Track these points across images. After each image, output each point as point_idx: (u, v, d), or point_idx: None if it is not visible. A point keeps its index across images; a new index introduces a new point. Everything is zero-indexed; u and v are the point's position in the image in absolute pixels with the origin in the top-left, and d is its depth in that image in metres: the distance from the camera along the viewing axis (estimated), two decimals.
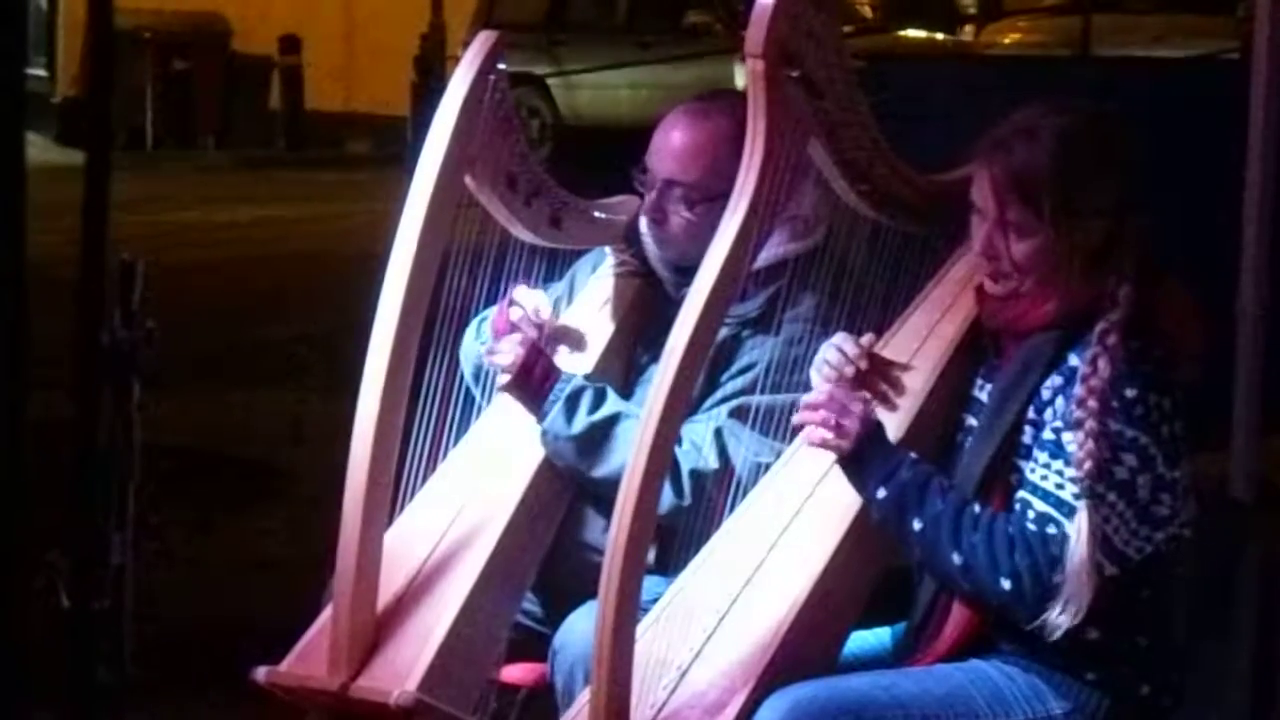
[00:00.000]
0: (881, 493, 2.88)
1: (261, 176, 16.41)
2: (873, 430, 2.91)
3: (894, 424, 3.01)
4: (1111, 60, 11.09)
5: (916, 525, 2.86)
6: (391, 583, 3.04)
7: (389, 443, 2.97)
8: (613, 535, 2.73)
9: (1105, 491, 2.79)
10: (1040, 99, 2.95)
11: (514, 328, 3.25)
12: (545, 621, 3.27)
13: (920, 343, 3.11)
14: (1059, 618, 2.79)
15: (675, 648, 2.90)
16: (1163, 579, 2.93)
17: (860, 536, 2.96)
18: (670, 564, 3.10)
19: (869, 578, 3.01)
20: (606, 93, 16.51)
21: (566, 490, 3.26)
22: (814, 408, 2.92)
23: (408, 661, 2.95)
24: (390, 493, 3.02)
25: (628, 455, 2.78)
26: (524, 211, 3.14)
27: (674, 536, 3.09)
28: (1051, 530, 2.80)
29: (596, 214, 3.33)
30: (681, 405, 2.78)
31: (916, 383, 3.06)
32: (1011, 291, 2.93)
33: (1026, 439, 2.89)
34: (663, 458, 2.76)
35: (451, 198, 3.00)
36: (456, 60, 3.11)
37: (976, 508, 2.86)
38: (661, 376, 2.74)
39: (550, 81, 16.57)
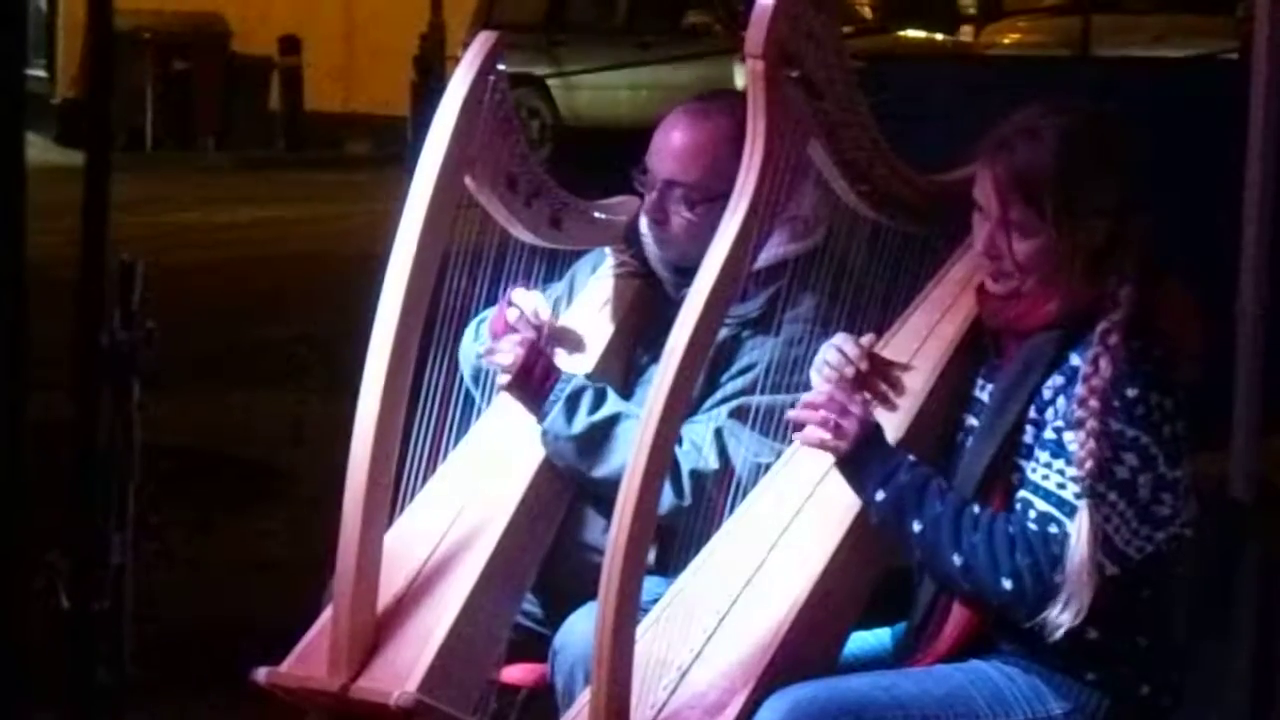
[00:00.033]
0: (880, 495, 2.88)
1: (261, 177, 16.41)
2: (871, 432, 2.91)
3: (894, 424, 3.01)
4: (1111, 60, 11.09)
5: (916, 527, 2.86)
6: (391, 583, 3.04)
7: (389, 443, 2.97)
8: (613, 535, 2.73)
9: (1106, 491, 2.79)
10: (1042, 99, 2.95)
11: (512, 329, 3.26)
12: (545, 622, 3.27)
13: (920, 343, 3.11)
14: (1060, 616, 2.79)
15: (675, 648, 2.90)
16: (1163, 579, 2.93)
17: (860, 537, 2.96)
18: (670, 564, 3.10)
19: (869, 578, 3.01)
20: (606, 93, 16.51)
21: (567, 490, 3.26)
22: (812, 407, 2.92)
23: (408, 662, 2.95)
24: (390, 493, 3.02)
25: (628, 455, 2.78)
26: (524, 212, 3.14)
27: (674, 537, 3.09)
28: (1053, 530, 2.80)
29: (596, 215, 3.33)
30: (681, 405, 2.78)
31: (916, 383, 3.06)
32: (1013, 291, 2.93)
33: (1028, 438, 2.89)
34: (663, 458, 2.76)
35: (451, 198, 3.00)
36: (456, 60, 3.11)
37: (976, 508, 2.86)
38: (661, 377, 2.74)
39: (550, 82, 16.58)
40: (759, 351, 3.22)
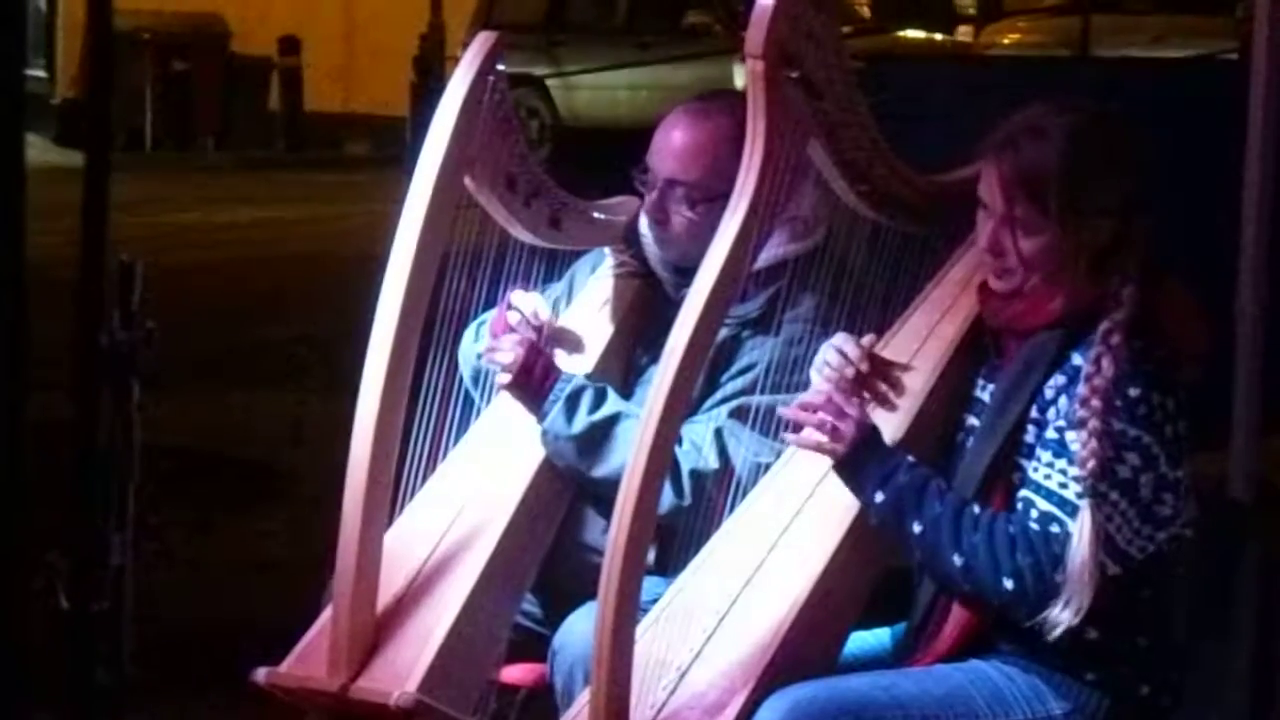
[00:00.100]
0: (879, 496, 2.88)
1: (261, 177, 16.41)
2: (868, 434, 2.91)
3: (894, 425, 3.01)
4: (1111, 61, 11.09)
5: (916, 528, 2.86)
6: (391, 583, 3.04)
7: (389, 443, 2.97)
8: (612, 535, 2.73)
9: (1108, 490, 2.79)
10: (1046, 98, 2.95)
11: (512, 330, 3.26)
12: (545, 622, 3.27)
13: (920, 343, 3.11)
14: (1060, 616, 2.79)
15: (675, 648, 2.90)
16: (1163, 579, 2.93)
17: (860, 537, 2.96)
18: (670, 564, 3.10)
19: (869, 578, 3.01)
20: (605, 93, 16.52)
21: (567, 490, 3.26)
22: (809, 409, 2.92)
23: (408, 662, 2.95)
24: (390, 493, 3.02)
25: (628, 455, 2.78)
26: (523, 212, 3.14)
27: (674, 537, 3.09)
28: (1054, 529, 2.80)
29: (596, 215, 3.33)
30: (681, 405, 2.78)
31: (916, 383, 3.06)
32: (1015, 289, 2.93)
33: (1029, 438, 2.89)
34: (663, 458, 2.76)
35: (451, 198, 3.01)
36: (456, 61, 3.11)
37: (976, 508, 2.86)
38: (661, 377, 2.74)
39: (549, 82, 16.58)
40: (759, 351, 3.22)
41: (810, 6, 2.80)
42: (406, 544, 3.12)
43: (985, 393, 3.01)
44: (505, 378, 3.24)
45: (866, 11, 17.49)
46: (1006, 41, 16.18)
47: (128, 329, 2.69)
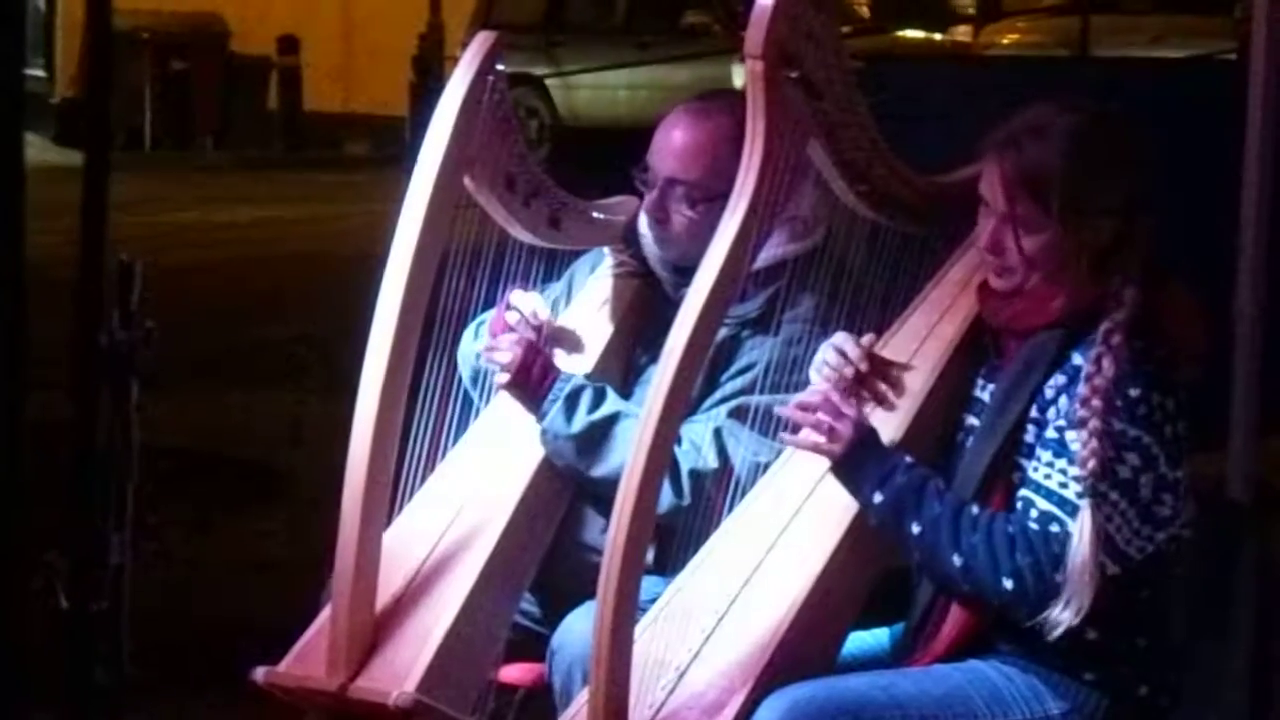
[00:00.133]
0: (878, 497, 2.88)
1: (260, 177, 16.40)
2: (865, 435, 2.91)
3: (893, 425, 3.01)
4: (1110, 61, 11.09)
5: (915, 529, 2.86)
6: (390, 583, 3.04)
7: (388, 443, 2.97)
8: (611, 535, 2.73)
9: (1108, 490, 2.79)
10: (1048, 98, 2.95)
11: (511, 330, 3.26)
12: (543, 621, 3.27)
13: (919, 343, 3.11)
14: (1060, 616, 2.79)
15: (674, 648, 2.90)
16: (1162, 579, 2.93)
17: (859, 537, 2.96)
18: (669, 564, 3.10)
19: (868, 578, 3.01)
20: (605, 93, 16.51)
21: (566, 490, 3.27)
22: (806, 409, 2.92)
23: (406, 662, 2.95)
24: (389, 493, 3.02)
25: (627, 454, 2.78)
26: (522, 212, 3.14)
27: (673, 536, 3.09)
28: (1054, 529, 2.81)
29: (595, 215, 3.33)
30: (680, 405, 2.78)
31: (916, 383, 3.06)
32: (1016, 288, 2.93)
33: (1029, 438, 2.89)
34: (662, 457, 2.77)
35: (450, 198, 3.01)
36: (455, 60, 3.11)
37: (975, 509, 2.86)
38: (660, 376, 2.74)
39: (548, 82, 16.57)
40: (758, 351, 3.22)
41: (810, 6, 2.80)
42: (405, 544, 3.12)
43: (985, 393, 3.01)
44: (504, 377, 3.24)
45: (865, 11, 17.49)
46: (1005, 41, 16.18)
47: (127, 329, 2.69)
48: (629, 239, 3.38)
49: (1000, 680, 2.92)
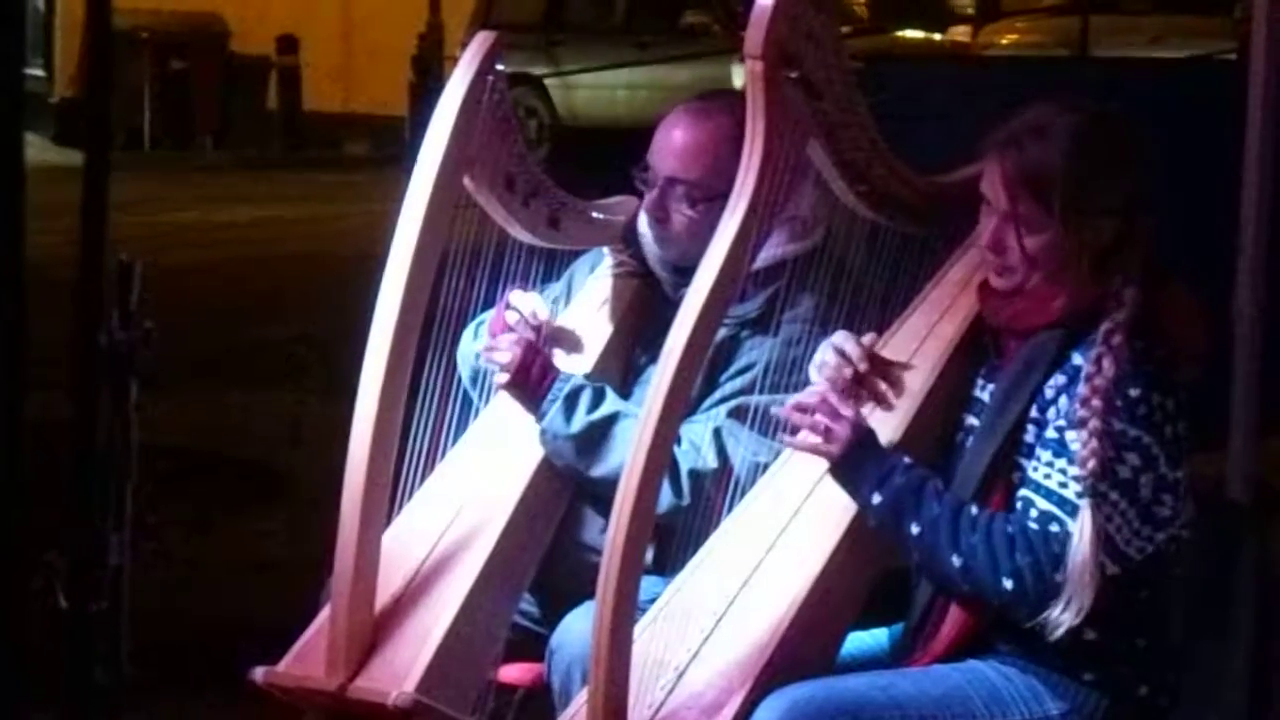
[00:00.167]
0: (876, 498, 2.88)
1: (259, 177, 16.40)
2: (863, 436, 2.90)
3: (892, 425, 3.01)
4: (1109, 61, 11.09)
5: (914, 529, 2.87)
6: (390, 583, 3.04)
7: (387, 443, 2.97)
8: (611, 535, 2.73)
9: (1108, 491, 2.79)
10: (1049, 98, 2.95)
11: (510, 330, 3.26)
12: (542, 621, 3.27)
13: (919, 344, 3.11)
14: (1061, 616, 2.79)
15: (673, 648, 2.90)
16: (1161, 580, 2.93)
17: (858, 537, 2.96)
18: (668, 564, 3.10)
19: (867, 578, 3.01)
20: (604, 93, 16.51)
21: (565, 490, 3.27)
22: (804, 410, 2.92)
23: (406, 662, 2.95)
24: (388, 493, 3.02)
25: (626, 455, 2.78)
26: (522, 212, 3.14)
27: (672, 536, 3.09)
28: (1054, 528, 2.81)
29: (595, 215, 3.33)
30: (680, 405, 2.78)
31: (915, 384, 3.06)
32: (1016, 287, 2.93)
33: (1029, 437, 2.90)
34: (661, 457, 2.77)
35: (450, 198, 3.01)
36: (454, 60, 3.11)
37: (974, 509, 2.86)
38: (660, 376, 2.74)
39: (548, 82, 16.57)
40: (758, 352, 3.22)
41: (810, 7, 2.80)
42: (405, 544, 3.12)
43: (985, 393, 3.01)
44: (503, 377, 3.24)
45: (864, 11, 17.49)
46: (1005, 42, 16.18)
47: (126, 329, 2.69)
48: (628, 239, 3.38)
49: (999, 680, 2.92)
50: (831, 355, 3.03)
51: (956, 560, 2.84)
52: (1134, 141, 2.96)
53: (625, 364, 3.38)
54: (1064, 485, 2.82)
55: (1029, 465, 2.88)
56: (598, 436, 3.20)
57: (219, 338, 8.90)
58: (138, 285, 2.72)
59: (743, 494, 3.10)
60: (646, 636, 2.89)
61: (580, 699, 2.86)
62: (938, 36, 17.17)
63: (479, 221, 3.12)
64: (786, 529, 3.00)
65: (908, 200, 3.10)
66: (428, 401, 3.12)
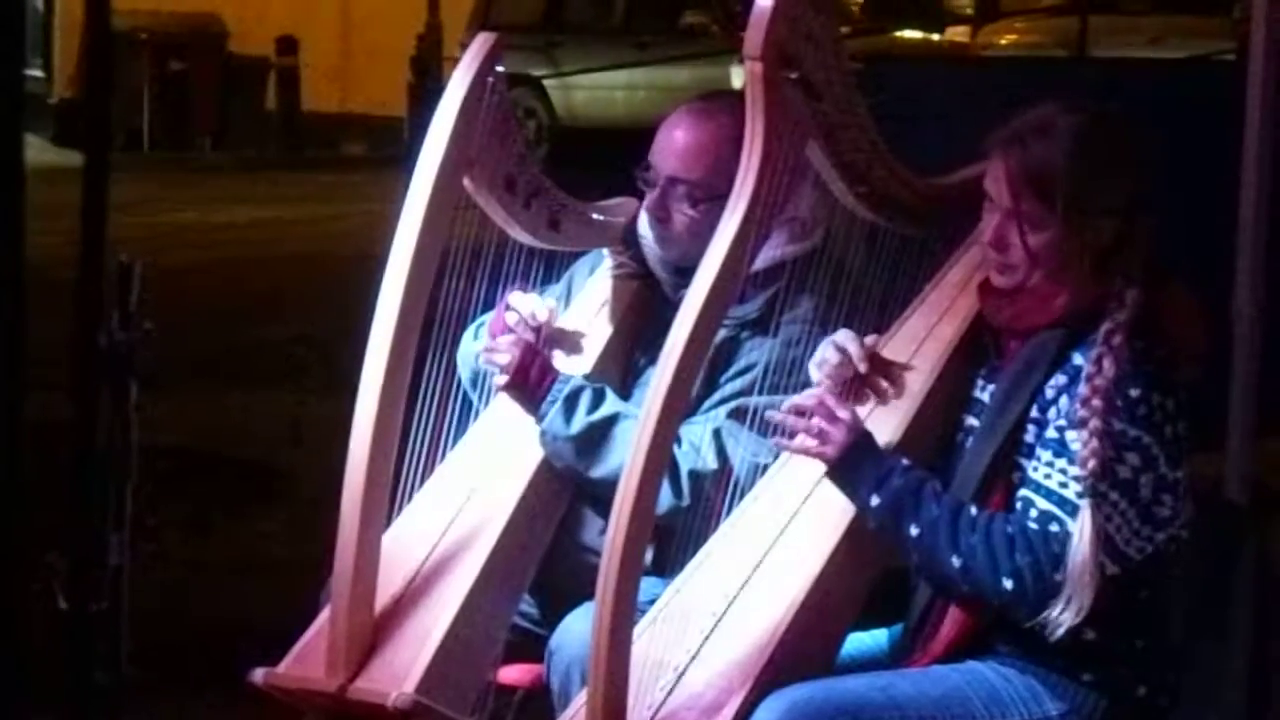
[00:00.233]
0: (875, 500, 2.88)
1: (258, 178, 16.40)
2: (861, 438, 2.90)
3: (892, 426, 3.01)
4: (1108, 61, 11.10)
5: (913, 531, 2.87)
6: (390, 584, 3.04)
7: (387, 444, 2.97)
8: (610, 535, 2.73)
9: (1108, 490, 2.80)
10: (1053, 97, 2.96)
11: (510, 331, 3.26)
12: (542, 622, 3.27)
13: (918, 345, 3.11)
14: (1061, 616, 2.79)
15: (672, 649, 2.90)
16: (1160, 580, 2.93)
17: (858, 538, 2.96)
18: (668, 565, 3.10)
19: (866, 579, 3.01)
20: (603, 94, 16.51)
21: (565, 490, 3.27)
22: (800, 412, 2.92)
23: (405, 663, 2.95)
24: (388, 494, 3.02)
25: (626, 455, 2.78)
26: (522, 214, 3.14)
27: (672, 537, 3.09)
28: (1054, 528, 2.81)
29: (594, 216, 3.33)
30: (679, 406, 2.78)
31: (915, 385, 3.07)
32: (1017, 285, 2.93)
33: (1029, 437, 2.90)
34: (661, 458, 2.77)
35: (450, 199, 3.01)
36: (453, 61, 3.11)
37: (973, 509, 2.86)
38: (660, 377, 2.74)
39: (547, 82, 16.57)
40: (758, 353, 3.22)
41: (809, 7, 2.80)
42: (405, 545, 3.12)
43: (985, 393, 3.01)
44: (503, 379, 3.24)
45: (862, 12, 17.50)
46: (1004, 42, 16.18)
47: (126, 329, 2.69)
48: (628, 240, 3.38)
49: (998, 681, 2.92)
50: (833, 352, 3.03)
51: (956, 561, 2.84)
52: (1137, 142, 2.96)
53: (625, 365, 3.38)
54: (1064, 485, 2.82)
55: (1029, 465, 2.88)
56: (597, 437, 3.20)
57: (219, 338, 8.90)
58: (137, 286, 2.72)
59: (742, 495, 3.10)
60: (646, 637, 2.89)
61: (579, 700, 2.86)
62: (936, 37, 17.17)
63: (479, 223, 3.12)
64: (786, 530, 3.00)
65: (907, 201, 3.10)
66: (428, 402, 3.12)
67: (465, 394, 3.29)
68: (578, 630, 3.04)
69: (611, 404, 3.24)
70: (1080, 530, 2.78)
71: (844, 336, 3.05)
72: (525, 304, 3.29)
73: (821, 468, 2.96)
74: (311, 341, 7.96)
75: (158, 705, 4.19)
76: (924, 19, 17.12)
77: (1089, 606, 2.79)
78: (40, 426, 2.46)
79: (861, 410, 2.99)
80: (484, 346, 3.26)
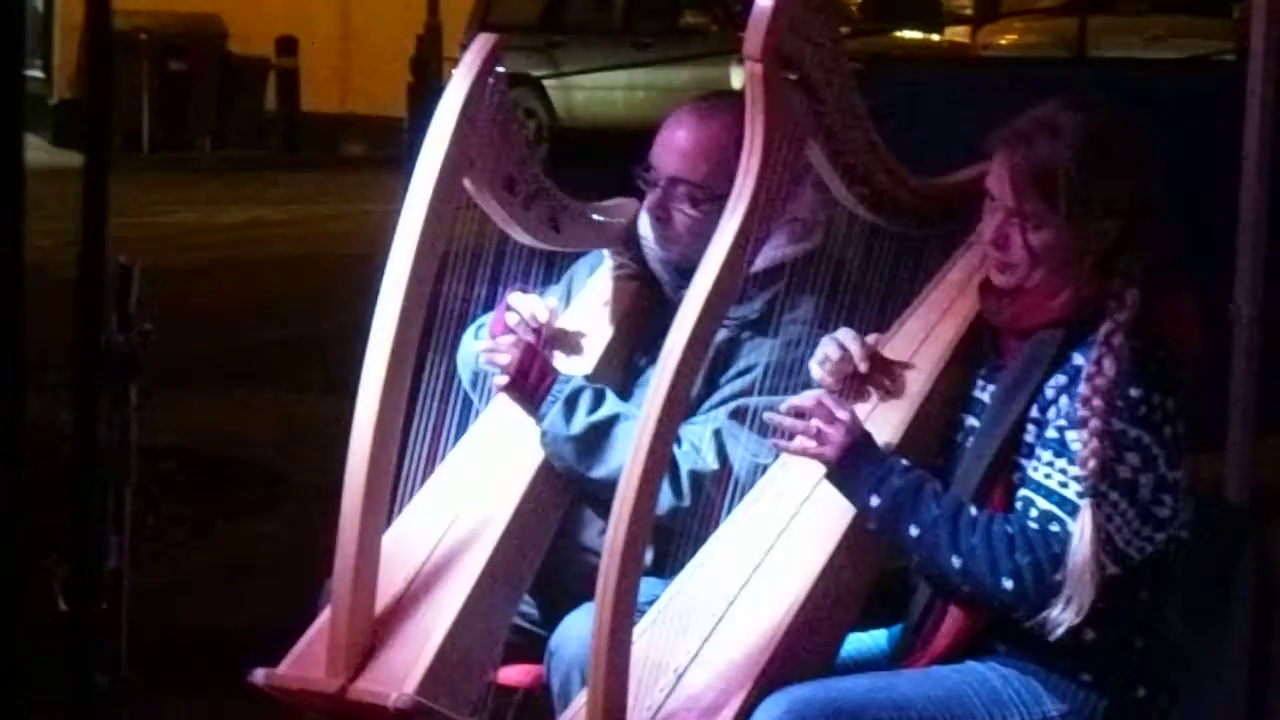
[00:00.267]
0: (874, 500, 2.88)
1: (258, 178, 16.41)
2: (860, 439, 2.90)
3: (891, 427, 3.01)
4: (1108, 61, 11.10)
5: (913, 531, 2.87)
6: (390, 585, 3.04)
7: (387, 445, 2.97)
8: (610, 536, 2.73)
9: (1108, 490, 2.80)
10: (1058, 96, 2.96)
11: (510, 332, 3.26)
12: (542, 623, 3.27)
13: (918, 345, 3.12)
14: (1061, 615, 2.79)
15: (672, 650, 2.90)
16: (1160, 580, 2.93)
17: (857, 538, 2.96)
18: (668, 565, 3.10)
19: (866, 579, 3.01)
20: (603, 94, 16.52)
21: (565, 491, 3.26)
22: (799, 414, 2.92)
23: (406, 664, 2.95)
24: (389, 495, 3.02)
25: (626, 456, 2.78)
26: (522, 214, 3.14)
27: (672, 538, 3.09)
28: (1054, 528, 2.81)
29: (595, 216, 3.33)
30: (679, 406, 2.78)
31: (915, 385, 3.07)
32: (1018, 284, 2.93)
33: (1029, 437, 2.90)
34: (661, 458, 2.77)
35: (450, 200, 3.01)
36: (453, 62, 3.12)
37: (973, 510, 2.86)
38: (659, 377, 2.74)
39: (546, 83, 16.57)
40: (758, 353, 3.22)
41: (809, 8, 2.80)
42: (405, 545, 3.12)
43: (985, 393, 3.02)
44: (503, 379, 3.24)
45: (861, 13, 17.51)
46: (1003, 42, 16.19)
47: (125, 330, 2.69)
48: (629, 241, 3.38)
49: (998, 681, 2.92)
50: (834, 349, 3.03)
51: (956, 561, 2.84)
52: (1141, 143, 2.96)
53: (625, 366, 3.38)
54: (1064, 485, 2.82)
55: (1029, 465, 2.88)
56: (597, 438, 3.20)
57: (219, 339, 8.90)
58: (137, 287, 2.72)
59: (742, 495, 3.10)
60: (646, 638, 2.89)
61: (579, 700, 2.86)
62: (936, 37, 17.18)
63: (479, 223, 3.11)
64: (786, 530, 3.00)
65: (907, 202, 3.11)
66: (428, 403, 3.12)
67: (465, 395, 3.29)
68: (578, 631, 3.04)
69: (612, 404, 3.24)
70: (1080, 530, 2.78)
71: (845, 335, 3.05)
72: (525, 304, 3.29)
73: (821, 468, 2.96)
74: (312, 342, 7.96)
75: (157, 706, 4.19)
76: (923, 19, 17.13)
77: (1089, 606, 2.79)
78: (40, 428, 2.46)
79: (861, 410, 2.99)
80: (484, 347, 3.26)
